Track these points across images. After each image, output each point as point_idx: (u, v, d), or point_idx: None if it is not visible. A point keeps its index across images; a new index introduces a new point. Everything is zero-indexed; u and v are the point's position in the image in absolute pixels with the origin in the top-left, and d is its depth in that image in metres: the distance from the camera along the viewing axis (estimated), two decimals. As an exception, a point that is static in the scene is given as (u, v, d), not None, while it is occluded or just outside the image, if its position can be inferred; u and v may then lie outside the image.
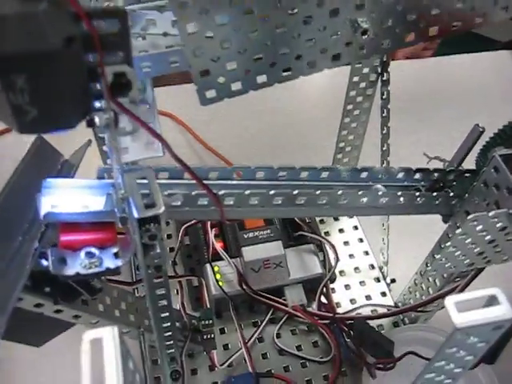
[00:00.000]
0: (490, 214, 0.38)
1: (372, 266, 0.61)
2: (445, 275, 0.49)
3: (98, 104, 0.27)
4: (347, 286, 0.59)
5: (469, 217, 0.38)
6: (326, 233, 0.63)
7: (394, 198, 0.42)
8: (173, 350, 0.50)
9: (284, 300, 0.55)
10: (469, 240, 0.41)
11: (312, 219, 0.62)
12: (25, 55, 0.23)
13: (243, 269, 0.54)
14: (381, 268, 0.61)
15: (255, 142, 0.74)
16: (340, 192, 0.39)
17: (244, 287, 0.53)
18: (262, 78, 0.38)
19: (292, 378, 0.52)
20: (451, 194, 0.45)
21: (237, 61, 0.36)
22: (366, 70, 0.52)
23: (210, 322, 0.52)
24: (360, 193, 0.40)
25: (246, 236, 0.56)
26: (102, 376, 0.25)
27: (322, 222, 0.64)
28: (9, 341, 0.40)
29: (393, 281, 0.60)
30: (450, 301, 0.28)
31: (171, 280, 0.55)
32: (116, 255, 0.36)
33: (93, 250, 0.35)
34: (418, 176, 0.45)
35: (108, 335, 0.25)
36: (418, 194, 0.43)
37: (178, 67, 0.37)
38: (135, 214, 0.30)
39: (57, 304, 0.42)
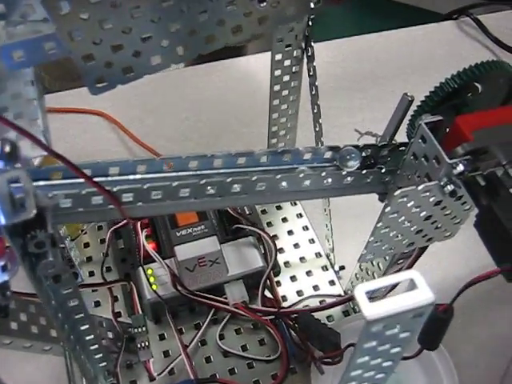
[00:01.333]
0: (419, 187, 0.35)
1: (319, 255, 0.58)
2: (386, 258, 0.46)
3: None
4: (293, 278, 0.56)
5: (396, 193, 0.35)
6: (269, 223, 0.59)
7: (318, 180, 0.39)
8: (105, 364, 0.47)
9: (225, 298, 0.52)
10: (402, 218, 0.38)
11: (253, 210, 0.58)
12: None
13: (178, 269, 0.51)
14: (328, 255, 0.57)
15: (193, 134, 0.70)
16: (255, 178, 0.36)
17: (179, 288, 0.50)
18: (155, 60, 0.34)
19: (238, 381, 0.49)
20: (383, 170, 0.42)
21: (123, 42, 0.32)
22: (288, 48, 0.48)
23: (144, 329, 0.49)
24: (278, 177, 0.37)
25: (178, 234, 0.52)
26: None
27: (263, 212, 0.60)
28: None
29: (342, 268, 0.57)
30: (359, 290, 0.24)
31: (102, 288, 0.51)
32: (4, 268, 0.32)
33: (-25, 265, 0.31)
34: (348, 154, 0.42)
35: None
36: (344, 173, 0.40)
37: (56, 54, 0.33)
38: (1, 221, 0.26)
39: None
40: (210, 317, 0.52)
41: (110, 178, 0.35)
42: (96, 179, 0.33)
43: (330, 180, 0.40)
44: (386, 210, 0.37)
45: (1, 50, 0.31)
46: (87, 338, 0.42)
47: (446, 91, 0.39)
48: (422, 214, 0.39)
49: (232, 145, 0.68)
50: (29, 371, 0.51)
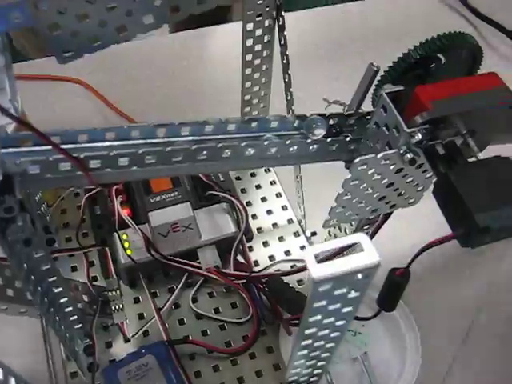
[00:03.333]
0: (379, 156, 0.37)
1: (291, 221, 0.59)
2: (352, 224, 0.47)
3: None
4: (265, 243, 0.58)
5: (356, 160, 0.36)
6: (243, 190, 0.61)
7: (284, 148, 0.40)
8: (80, 325, 0.48)
9: (198, 263, 0.53)
10: (363, 185, 0.40)
11: (226, 177, 0.60)
12: None
13: (152, 234, 0.52)
14: (299, 222, 0.59)
15: (170, 102, 0.70)
16: (220, 145, 0.37)
17: (153, 253, 0.51)
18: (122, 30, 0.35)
19: (210, 342, 0.51)
20: (348, 139, 0.43)
21: (88, 11, 0.33)
22: (259, 18, 0.48)
23: (118, 292, 0.50)
24: (243, 144, 0.38)
25: (152, 200, 0.53)
26: None
27: (238, 179, 0.62)
28: None
29: (313, 234, 0.58)
30: (308, 252, 0.26)
31: (77, 252, 0.53)
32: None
33: None
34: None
35: None
36: (309, 141, 0.41)
37: (21, 23, 0.33)
38: None
39: None
40: (183, 281, 0.54)
41: (78, 146, 0.35)
42: (64, 146, 0.34)
43: (295, 148, 0.41)
44: (347, 177, 0.38)
45: (-35, 18, 0.31)
46: (61, 300, 0.44)
47: (408, 62, 0.40)
48: (383, 182, 0.40)
49: (209, 112, 0.68)
50: (9, 333, 0.52)
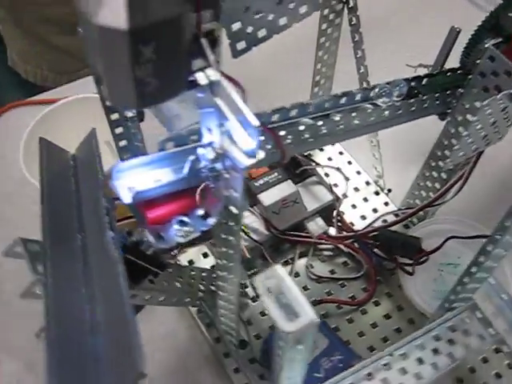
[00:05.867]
0: (498, 96, 0.43)
1: (368, 183, 0.66)
2: (451, 167, 0.54)
3: (198, 64, 0.28)
4: (353, 206, 0.64)
5: (484, 102, 0.43)
6: (317, 164, 0.66)
7: (379, 113, 0.46)
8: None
9: (307, 233, 0.58)
10: (479, 126, 0.47)
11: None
12: (157, 24, 0.24)
13: (265, 214, 0.57)
14: (376, 182, 0.65)
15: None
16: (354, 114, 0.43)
17: (272, 231, 0.56)
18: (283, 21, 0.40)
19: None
20: (424, 97, 0.49)
21: (263, 7, 0.38)
22: (333, 2, 0.54)
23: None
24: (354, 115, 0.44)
25: (257, 184, 0.58)
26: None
27: (309, 155, 0.67)
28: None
29: (389, 191, 0.65)
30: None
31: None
32: (205, 217, 0.37)
33: (182, 218, 0.36)
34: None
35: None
36: (412, 100, 0.47)
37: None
38: (243, 163, 0.31)
39: (131, 289, 0.43)
40: (298, 251, 0.59)
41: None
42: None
43: (387, 112, 0.47)
44: (472, 119, 0.45)
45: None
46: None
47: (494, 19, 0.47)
48: (491, 120, 0.47)
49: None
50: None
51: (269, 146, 0.38)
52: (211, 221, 0.36)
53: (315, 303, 0.56)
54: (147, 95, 0.26)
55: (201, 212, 0.37)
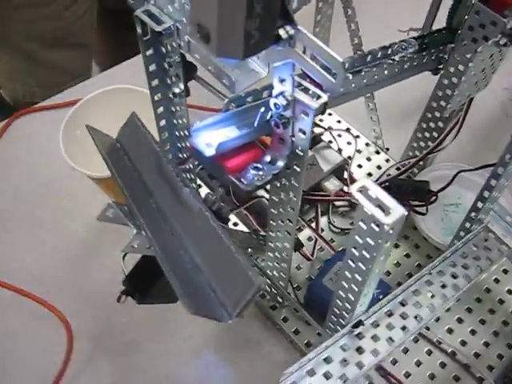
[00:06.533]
0: (489, 42, 0.51)
1: (367, 144, 0.73)
2: (446, 115, 0.61)
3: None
4: (359, 166, 0.71)
5: (478, 49, 0.51)
6: (328, 128, 0.73)
7: (400, 66, 0.53)
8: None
9: (324, 192, 0.65)
10: (473, 72, 0.54)
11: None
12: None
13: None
14: (375, 142, 0.72)
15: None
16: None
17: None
18: None
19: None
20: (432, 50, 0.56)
21: None
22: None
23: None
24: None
25: (277, 153, 0.63)
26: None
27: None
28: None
29: (387, 149, 0.72)
30: None
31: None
32: (273, 162, 0.42)
33: (257, 165, 0.41)
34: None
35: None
36: (415, 56, 0.54)
37: None
38: (313, 105, 0.36)
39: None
40: (319, 209, 0.65)
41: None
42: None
43: (408, 64, 0.54)
44: (470, 64, 0.52)
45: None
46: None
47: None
48: (481, 67, 0.55)
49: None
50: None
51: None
52: (279, 165, 0.42)
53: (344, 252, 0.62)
54: (250, 47, 0.32)
55: (268, 159, 0.42)
